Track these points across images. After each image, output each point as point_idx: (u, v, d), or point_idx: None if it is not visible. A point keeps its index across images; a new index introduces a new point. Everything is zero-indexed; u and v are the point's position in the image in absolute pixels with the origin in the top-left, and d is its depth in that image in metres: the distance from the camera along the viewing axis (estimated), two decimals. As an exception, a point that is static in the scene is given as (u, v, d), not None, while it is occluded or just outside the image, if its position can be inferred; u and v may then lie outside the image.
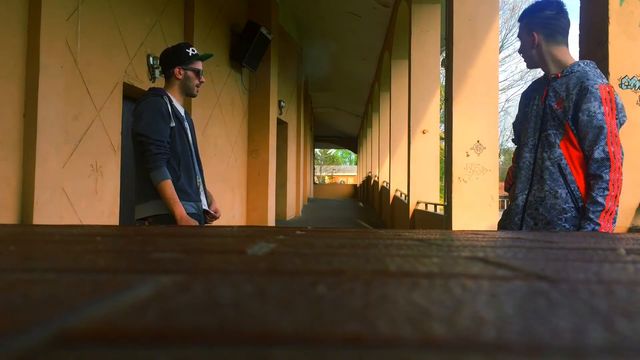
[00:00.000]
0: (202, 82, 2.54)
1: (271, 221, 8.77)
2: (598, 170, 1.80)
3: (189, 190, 2.46)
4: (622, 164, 1.83)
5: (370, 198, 18.20)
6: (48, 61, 4.15)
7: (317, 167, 44.14)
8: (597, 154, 1.80)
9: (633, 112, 2.61)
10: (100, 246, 0.62)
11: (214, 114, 7.67)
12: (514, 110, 30.99)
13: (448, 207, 5.35)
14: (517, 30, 2.05)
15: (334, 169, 54.51)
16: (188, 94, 2.50)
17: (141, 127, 2.32)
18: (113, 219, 5.15)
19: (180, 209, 2.33)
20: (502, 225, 2.08)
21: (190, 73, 2.50)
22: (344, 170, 54.12)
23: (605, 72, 2.63)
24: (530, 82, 2.20)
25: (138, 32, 5.68)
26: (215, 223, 2.74)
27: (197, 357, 0.18)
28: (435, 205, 7.04)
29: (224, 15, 8.04)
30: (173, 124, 2.44)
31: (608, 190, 1.79)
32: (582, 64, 1.91)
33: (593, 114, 1.81)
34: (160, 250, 0.57)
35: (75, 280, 0.35)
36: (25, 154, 4.04)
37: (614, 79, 2.62)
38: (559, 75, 1.92)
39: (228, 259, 0.49)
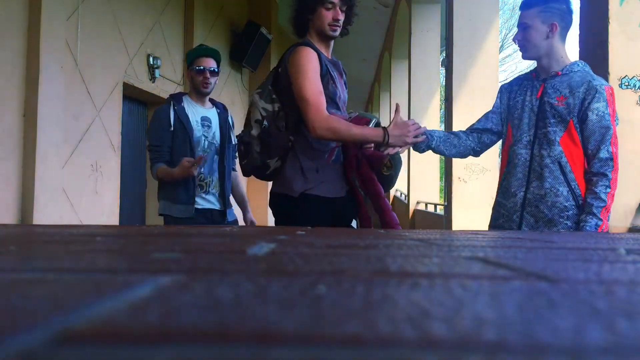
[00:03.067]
0: (207, 77, 2.57)
1: (271, 221, 8.76)
2: (602, 169, 1.83)
3: (181, 191, 2.50)
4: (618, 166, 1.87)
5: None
6: (48, 61, 4.15)
7: (317, 167, 44.00)
8: (603, 153, 1.83)
9: (633, 112, 2.61)
10: (100, 246, 0.62)
11: (214, 114, 7.67)
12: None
13: (448, 207, 5.35)
14: (521, 16, 1.94)
15: (334, 169, 54.34)
16: (200, 92, 2.58)
17: (149, 131, 2.53)
18: (113, 219, 5.15)
19: (177, 171, 2.39)
20: (496, 224, 2.07)
21: (193, 73, 2.58)
22: (344, 170, 53.97)
23: (606, 72, 2.63)
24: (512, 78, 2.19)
25: (138, 32, 5.68)
26: None
27: (197, 357, 0.18)
28: (435, 205, 7.04)
29: (224, 15, 8.04)
30: (172, 128, 2.51)
31: (610, 188, 1.83)
32: (580, 64, 1.93)
33: (602, 114, 1.84)
34: (160, 250, 0.57)
35: (75, 280, 0.35)
36: (25, 154, 4.04)
37: (614, 79, 2.62)
38: (559, 73, 1.92)
39: (228, 259, 0.49)
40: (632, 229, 2.58)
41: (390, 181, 2.07)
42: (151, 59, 5.89)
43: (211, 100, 2.75)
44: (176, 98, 2.60)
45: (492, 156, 5.14)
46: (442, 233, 1.12)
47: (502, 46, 23.78)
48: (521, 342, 0.20)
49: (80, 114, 4.71)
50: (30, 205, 4.01)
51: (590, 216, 1.83)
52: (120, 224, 5.30)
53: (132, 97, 6.06)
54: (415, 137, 1.90)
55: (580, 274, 0.40)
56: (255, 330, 0.21)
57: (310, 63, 1.91)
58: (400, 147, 1.90)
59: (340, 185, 1.98)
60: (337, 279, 0.36)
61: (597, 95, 1.84)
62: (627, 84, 2.64)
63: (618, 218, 2.57)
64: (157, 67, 5.99)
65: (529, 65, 2.37)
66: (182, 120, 2.53)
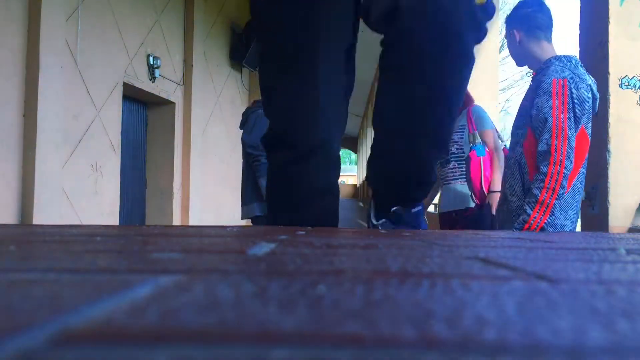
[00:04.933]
0: None
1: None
2: (539, 163, 1.80)
3: None
4: (567, 158, 1.78)
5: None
6: (48, 61, 4.15)
7: (317, 167, 43.97)
8: (540, 146, 1.80)
9: (633, 112, 2.61)
10: (100, 246, 0.62)
11: (214, 113, 7.68)
12: (514, 110, 30.97)
13: (448, 207, 5.33)
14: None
15: (334, 169, 54.43)
16: None
17: (252, 139, 2.70)
18: (113, 219, 5.15)
19: None
20: (504, 226, 2.09)
21: None
22: (344, 170, 54.08)
23: (606, 72, 2.63)
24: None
25: (138, 32, 5.68)
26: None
27: (197, 357, 0.18)
28: (435, 205, 7.03)
29: (224, 14, 8.04)
30: None
31: (543, 182, 1.77)
32: (553, 60, 1.88)
33: (540, 107, 1.82)
34: (160, 250, 0.57)
35: (75, 280, 0.35)
36: (25, 154, 4.04)
37: (614, 79, 2.62)
38: (534, 73, 1.94)
39: (228, 259, 0.49)
40: (632, 229, 2.58)
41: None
42: (151, 59, 5.89)
43: None
44: None
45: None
46: (442, 233, 1.12)
47: (502, 46, 23.80)
48: (521, 342, 0.20)
49: (80, 114, 4.71)
50: (30, 205, 4.01)
51: (521, 211, 1.81)
52: (120, 224, 5.30)
53: (132, 97, 6.06)
54: None
55: (581, 274, 0.40)
56: (255, 331, 0.21)
57: None
58: None
59: None
60: (337, 279, 0.36)
61: (539, 90, 1.83)
62: (627, 84, 2.64)
63: (618, 218, 2.57)
64: (157, 67, 5.99)
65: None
66: None
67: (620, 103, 2.64)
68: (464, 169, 2.95)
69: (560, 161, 1.75)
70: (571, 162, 1.77)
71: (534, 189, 1.78)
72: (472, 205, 2.90)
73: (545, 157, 1.77)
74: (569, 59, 1.90)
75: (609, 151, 2.48)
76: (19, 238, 0.81)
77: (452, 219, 3.05)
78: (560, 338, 0.20)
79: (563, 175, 1.75)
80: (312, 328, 0.22)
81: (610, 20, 2.64)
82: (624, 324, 0.23)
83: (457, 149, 3.02)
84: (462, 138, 3.01)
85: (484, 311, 0.25)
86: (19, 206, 3.97)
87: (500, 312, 0.25)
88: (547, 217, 1.77)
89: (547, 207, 1.76)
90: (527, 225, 1.77)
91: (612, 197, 2.53)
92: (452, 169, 3.06)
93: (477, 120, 3.01)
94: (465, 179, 2.93)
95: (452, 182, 3.05)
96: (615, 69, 2.63)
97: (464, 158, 2.96)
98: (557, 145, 1.76)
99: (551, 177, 1.76)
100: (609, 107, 2.58)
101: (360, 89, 17.00)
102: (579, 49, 2.87)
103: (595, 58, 2.71)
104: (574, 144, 1.79)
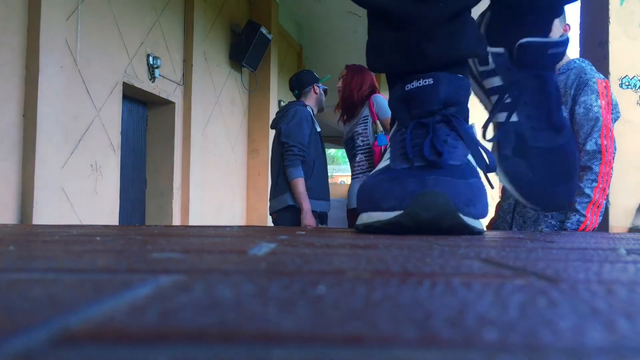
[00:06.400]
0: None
1: (271, 221, 8.76)
2: (589, 162, 1.80)
3: (318, 189, 2.96)
4: (613, 159, 1.81)
5: (370, 198, 18.12)
6: (48, 61, 4.15)
7: (317, 167, 43.99)
8: (590, 146, 1.79)
9: (633, 112, 2.61)
10: (100, 246, 0.61)
11: (214, 114, 7.67)
12: (514, 110, 30.82)
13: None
14: None
15: (333, 169, 54.50)
16: (320, 109, 3.03)
17: (290, 129, 2.96)
18: (113, 219, 5.15)
19: (307, 205, 2.94)
20: (494, 225, 2.08)
21: (320, 90, 3.15)
22: (344, 171, 54.02)
23: (606, 72, 2.63)
24: None
25: (138, 32, 5.68)
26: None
27: (197, 357, 0.18)
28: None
29: (224, 15, 8.03)
30: (316, 130, 3.00)
31: (596, 182, 1.77)
32: (577, 61, 1.91)
33: (590, 107, 1.82)
34: (160, 250, 0.57)
35: (75, 280, 0.35)
36: (25, 154, 4.04)
37: (614, 79, 2.62)
38: (557, 72, 1.93)
39: (228, 259, 0.49)
40: (632, 229, 2.58)
41: None
42: (151, 58, 5.89)
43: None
44: (308, 105, 3.12)
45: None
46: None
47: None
48: (522, 343, 0.20)
49: (80, 114, 4.71)
50: (30, 205, 4.01)
51: (573, 213, 1.80)
52: (120, 224, 5.30)
53: (132, 97, 6.06)
54: None
55: (581, 274, 0.40)
56: (255, 331, 0.21)
57: None
58: None
59: None
60: (337, 279, 0.36)
61: (586, 88, 1.82)
62: (627, 83, 2.64)
63: (618, 218, 2.57)
64: (157, 67, 5.98)
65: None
66: (316, 127, 3.06)
67: (620, 103, 2.64)
68: (372, 162, 3.00)
69: (610, 161, 1.78)
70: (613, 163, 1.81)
71: (586, 188, 1.77)
72: None
73: (594, 156, 1.77)
74: (589, 62, 1.93)
75: (609, 151, 2.48)
76: (19, 238, 0.81)
77: None
78: (560, 338, 0.20)
79: (611, 175, 1.78)
80: (312, 328, 0.22)
81: (610, 20, 2.64)
82: (624, 324, 0.23)
83: (362, 141, 3.07)
84: (367, 129, 3.07)
85: (484, 311, 0.25)
86: (18, 206, 3.97)
87: (501, 312, 0.25)
88: (599, 217, 1.77)
89: (599, 207, 1.77)
90: (582, 226, 1.76)
91: (612, 197, 2.53)
92: (358, 162, 3.11)
93: (378, 109, 3.12)
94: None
95: (360, 176, 3.10)
96: (615, 69, 2.63)
97: (370, 150, 3.03)
98: (607, 146, 1.78)
99: (602, 177, 1.76)
100: (609, 107, 2.57)
101: (360, 89, 16.98)
102: (579, 49, 2.87)
103: (595, 58, 2.71)
104: (616, 146, 1.82)
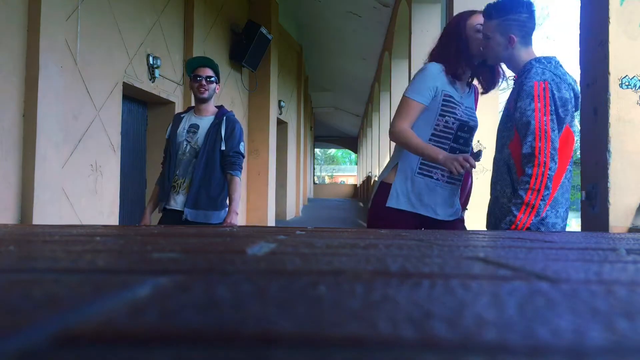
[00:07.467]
0: (203, 84, 2.86)
1: (271, 221, 8.76)
2: (524, 166, 1.82)
3: (161, 190, 2.97)
4: (551, 159, 1.80)
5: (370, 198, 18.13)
6: (47, 61, 4.16)
7: (317, 167, 44.08)
8: (525, 149, 1.82)
9: (633, 112, 2.61)
10: (100, 246, 0.61)
11: (214, 114, 7.66)
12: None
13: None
14: (483, 26, 1.95)
15: (334, 169, 54.50)
16: (198, 99, 2.89)
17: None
18: (113, 219, 5.15)
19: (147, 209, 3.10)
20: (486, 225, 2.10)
21: (191, 82, 2.89)
22: (344, 171, 54.08)
23: (606, 72, 2.63)
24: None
25: (138, 32, 5.68)
26: None
27: (197, 357, 0.17)
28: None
29: (223, 15, 8.04)
30: (167, 136, 2.91)
31: (529, 184, 1.79)
32: (534, 62, 1.88)
33: (523, 111, 1.83)
34: (160, 250, 0.57)
35: (75, 280, 0.35)
36: (25, 154, 4.05)
37: (614, 79, 2.62)
38: (515, 76, 1.94)
39: (228, 259, 0.49)
40: (632, 229, 2.58)
41: None
42: (151, 58, 5.89)
43: (221, 111, 3.04)
44: (184, 112, 3.08)
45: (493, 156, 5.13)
46: (442, 233, 1.12)
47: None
48: (521, 342, 0.20)
49: (80, 113, 4.72)
50: (30, 205, 4.01)
51: (507, 213, 1.83)
52: (120, 224, 5.30)
53: (132, 97, 6.07)
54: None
55: (581, 274, 0.40)
56: (255, 331, 0.21)
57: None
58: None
59: None
60: (337, 279, 0.36)
61: (522, 93, 1.83)
62: (627, 83, 2.64)
63: (618, 218, 2.57)
64: (157, 67, 5.99)
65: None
66: (174, 128, 2.93)
67: (620, 103, 2.64)
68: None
69: (545, 163, 1.78)
70: (555, 163, 1.81)
71: (520, 190, 1.81)
72: None
73: (529, 159, 1.80)
74: (548, 60, 1.91)
75: (609, 151, 2.48)
76: (19, 238, 0.81)
77: None
78: (560, 338, 0.20)
79: (547, 176, 1.79)
80: (312, 328, 0.22)
81: (610, 20, 2.64)
82: (624, 324, 0.23)
83: None
84: None
85: (484, 311, 0.25)
86: (18, 206, 3.98)
87: (500, 312, 0.25)
88: (533, 217, 1.79)
89: (533, 208, 1.79)
90: (513, 226, 1.79)
91: (612, 197, 2.53)
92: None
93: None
94: None
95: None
96: (615, 69, 2.63)
97: None
98: (540, 148, 1.79)
99: (536, 179, 1.78)
100: (609, 107, 2.57)
101: (360, 88, 16.99)
102: (579, 49, 2.87)
103: (595, 58, 2.71)
104: (557, 145, 1.82)
